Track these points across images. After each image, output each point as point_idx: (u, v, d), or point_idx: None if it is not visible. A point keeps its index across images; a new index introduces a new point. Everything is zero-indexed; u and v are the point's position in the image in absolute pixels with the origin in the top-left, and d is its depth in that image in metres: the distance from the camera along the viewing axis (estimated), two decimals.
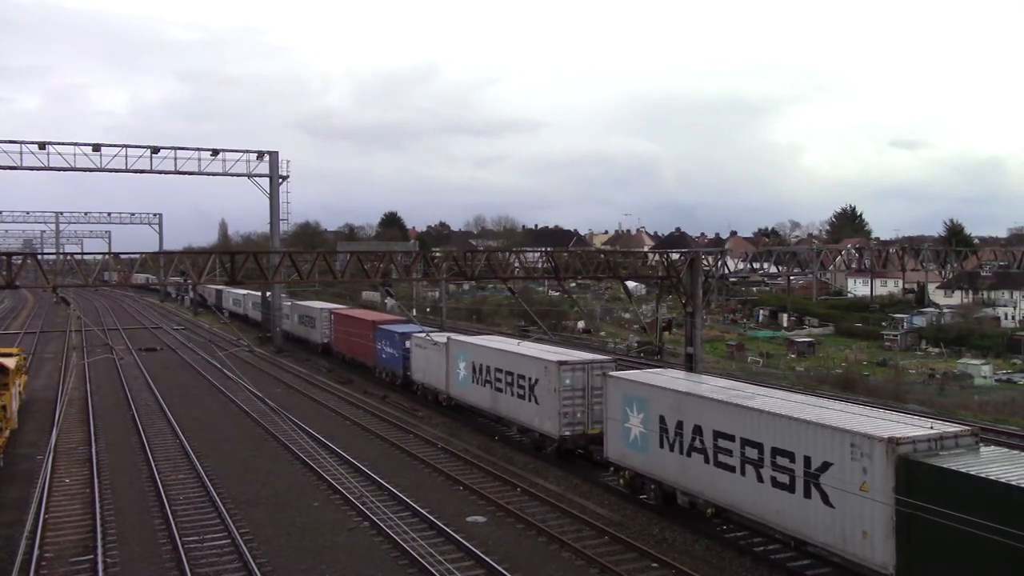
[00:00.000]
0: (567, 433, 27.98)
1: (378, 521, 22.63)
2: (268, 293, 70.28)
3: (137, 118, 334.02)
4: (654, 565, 19.87)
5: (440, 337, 39.00)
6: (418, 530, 21.98)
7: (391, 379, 45.58)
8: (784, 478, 18.88)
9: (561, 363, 27.96)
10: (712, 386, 23.54)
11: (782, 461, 18.91)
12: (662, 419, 22.78)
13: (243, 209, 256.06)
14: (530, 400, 29.72)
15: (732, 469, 20.38)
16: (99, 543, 21.19)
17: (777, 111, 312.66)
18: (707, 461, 21.18)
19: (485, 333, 54.29)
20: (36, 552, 20.64)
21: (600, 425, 26.75)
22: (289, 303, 71.41)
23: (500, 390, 31.99)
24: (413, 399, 41.22)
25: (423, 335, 40.96)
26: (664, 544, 21.31)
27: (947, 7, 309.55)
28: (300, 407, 40.29)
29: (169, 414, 38.43)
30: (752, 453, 19.70)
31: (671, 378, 25.04)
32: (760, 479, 19.57)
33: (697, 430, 21.53)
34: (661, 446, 22.84)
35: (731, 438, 20.36)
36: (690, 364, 34.57)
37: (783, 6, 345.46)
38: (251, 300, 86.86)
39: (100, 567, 19.77)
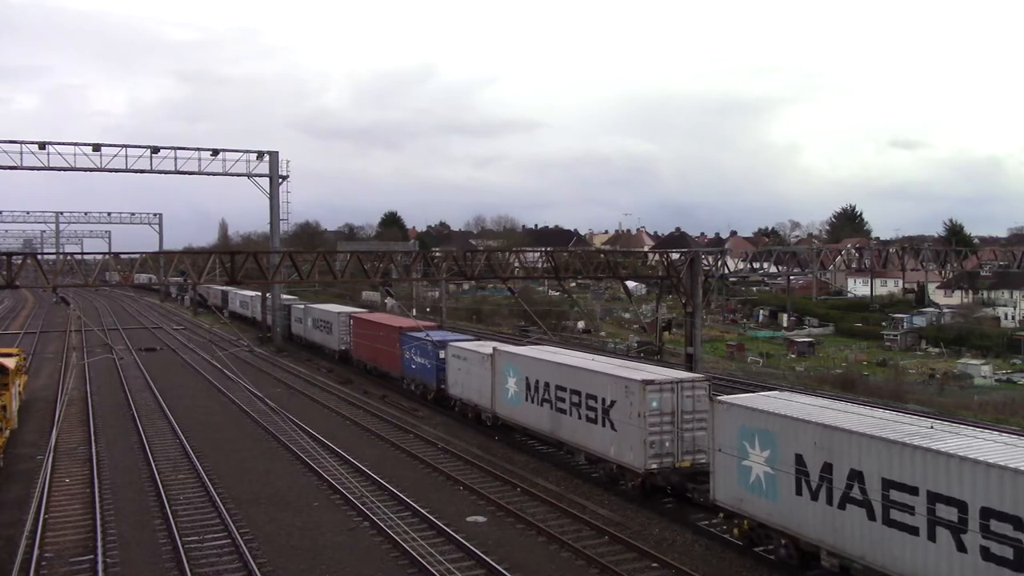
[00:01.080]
0: (654, 466, 23.72)
1: (378, 521, 22.62)
2: (269, 293, 70.30)
3: (135, 118, 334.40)
4: (654, 565, 19.86)
5: (484, 347, 35.24)
6: (418, 530, 21.97)
7: (422, 392, 41.23)
8: (1006, 551, 14.19)
9: (646, 382, 23.73)
10: (873, 419, 18.46)
11: (1001, 528, 14.27)
12: (800, 459, 18.33)
13: (243, 209, 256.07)
14: (603, 425, 25.53)
15: (913, 531, 15.88)
16: (99, 543, 21.18)
17: (775, 111, 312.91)
18: (871, 517, 16.76)
19: (531, 341, 50.73)
20: (36, 552, 20.63)
21: (691, 457, 23.55)
22: (302, 306, 68.02)
23: (562, 411, 27.83)
24: (449, 415, 37.28)
25: (462, 344, 37.16)
26: (664, 544, 21.31)
27: (945, 7, 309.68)
28: (300, 407, 40.27)
29: (169, 414, 38.42)
30: (948, 512, 15.15)
31: (809, 406, 20.01)
32: (962, 547, 14.94)
33: (855, 476, 17.08)
34: (798, 492, 18.44)
35: (912, 490, 15.88)
36: (690, 364, 34.55)
37: (781, 6, 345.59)
38: (260, 303, 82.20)
39: (100, 567, 19.76)
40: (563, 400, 27.73)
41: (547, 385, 28.69)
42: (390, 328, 45.96)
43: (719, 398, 21.37)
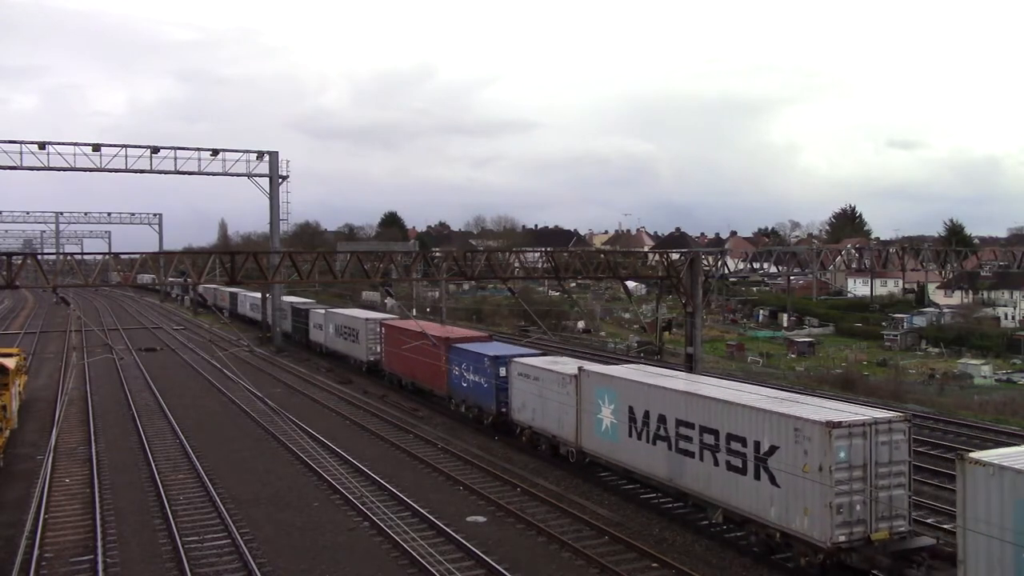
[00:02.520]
0: (842, 538, 17.84)
1: (378, 521, 22.63)
2: (284, 295, 70.03)
3: (134, 118, 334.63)
4: (654, 565, 19.87)
5: (562, 365, 29.76)
6: (418, 530, 21.98)
7: (476, 416, 35.28)
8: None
9: (833, 424, 17.88)
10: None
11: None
12: None
13: (243, 209, 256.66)
14: (756, 477, 19.83)
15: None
16: (99, 543, 21.20)
17: (774, 111, 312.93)
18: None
19: (627, 360, 45.89)
20: (36, 552, 20.64)
21: (887, 525, 18.18)
22: (323, 311, 62.31)
23: (687, 453, 22.15)
24: (512, 445, 31.52)
25: (530, 360, 31.54)
26: (664, 544, 21.33)
27: (943, 7, 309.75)
28: (300, 407, 40.28)
29: (169, 414, 38.43)
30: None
31: None
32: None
33: None
34: None
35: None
36: (690, 364, 34.58)
37: (779, 7, 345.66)
38: (274, 305, 78.49)
39: (100, 567, 19.77)
40: (688, 439, 22.04)
41: (662, 418, 23.01)
42: (433, 339, 39.13)
43: (987, 459, 14.40)
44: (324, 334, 60.10)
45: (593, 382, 26.50)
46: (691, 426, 21.99)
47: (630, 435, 24.47)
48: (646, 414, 23.81)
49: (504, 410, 32.46)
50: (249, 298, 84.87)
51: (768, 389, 25.11)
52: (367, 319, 51.45)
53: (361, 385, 46.82)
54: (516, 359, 31.85)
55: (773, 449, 19.34)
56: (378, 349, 48.94)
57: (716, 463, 21.19)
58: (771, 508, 19.43)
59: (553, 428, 28.68)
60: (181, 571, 19.65)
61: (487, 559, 19.85)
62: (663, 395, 23.27)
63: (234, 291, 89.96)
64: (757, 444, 19.75)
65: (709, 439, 21.36)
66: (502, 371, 32.51)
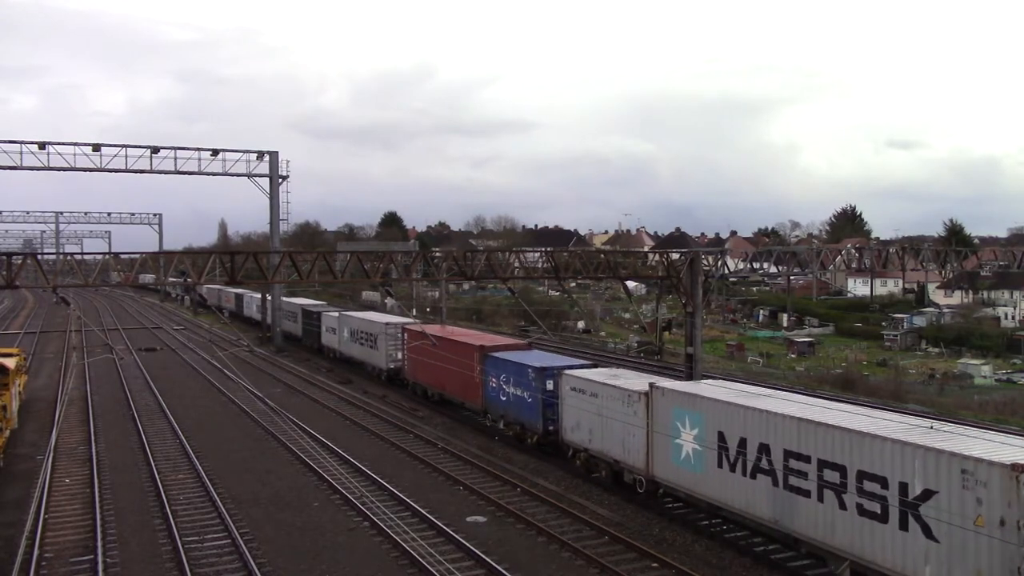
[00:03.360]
0: None
1: (378, 521, 22.63)
2: (289, 296, 69.94)
3: (134, 118, 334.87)
4: (654, 565, 19.87)
5: (626, 379, 26.27)
6: (418, 530, 21.98)
7: (517, 434, 31.92)
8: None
9: (1020, 468, 14.37)
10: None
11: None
12: None
13: (243, 209, 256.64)
14: (904, 527, 16.28)
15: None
16: (99, 543, 21.20)
17: (774, 111, 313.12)
18: None
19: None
20: (36, 552, 20.65)
21: None
22: (336, 314, 58.52)
23: (800, 491, 18.63)
24: (561, 466, 28.34)
25: (586, 374, 27.95)
26: (664, 544, 21.33)
27: (942, 7, 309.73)
28: (300, 407, 40.29)
29: (169, 414, 38.43)
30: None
31: None
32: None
33: None
34: None
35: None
36: (690, 364, 34.56)
37: (779, 7, 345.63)
38: (284, 309, 71.82)
39: (100, 567, 19.77)
40: (801, 475, 18.55)
41: (765, 448, 19.59)
42: (464, 346, 36.40)
43: None
44: (338, 339, 56.49)
45: (670, 401, 22.93)
46: (805, 459, 18.48)
47: (720, 465, 20.97)
48: (742, 442, 20.22)
49: (552, 428, 29.23)
50: (255, 299, 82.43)
51: (905, 416, 21.34)
52: (387, 323, 47.74)
53: (376, 392, 45.45)
54: (568, 372, 28.38)
55: (928, 494, 15.72)
56: (399, 356, 45.47)
57: (842, 506, 17.58)
58: (925, 567, 15.79)
59: (615, 452, 25.20)
60: (181, 571, 19.65)
61: (487, 559, 19.85)
62: (767, 420, 19.61)
63: (240, 292, 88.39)
64: (904, 486, 16.18)
65: (832, 476, 17.77)
66: (549, 384, 29.37)
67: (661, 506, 19.59)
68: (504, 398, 32.64)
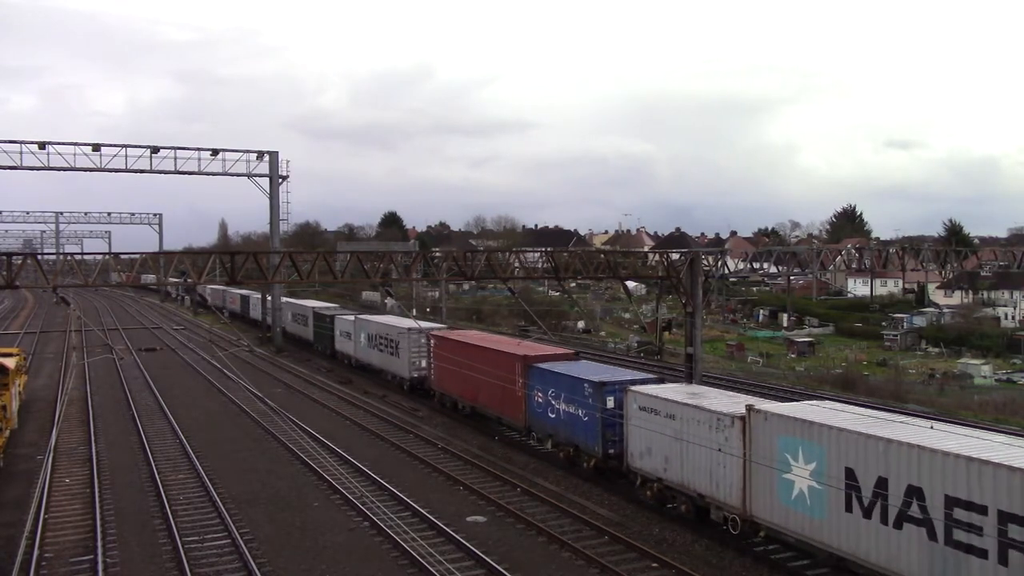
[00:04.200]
0: None
1: (378, 521, 22.64)
2: (289, 297, 69.93)
3: (133, 118, 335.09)
4: (654, 565, 19.87)
5: (713, 399, 22.78)
6: (418, 530, 21.98)
7: (569, 456, 28.26)
8: None
9: None
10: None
11: None
12: None
13: (243, 209, 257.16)
14: None
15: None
16: (99, 543, 21.20)
17: (773, 111, 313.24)
18: None
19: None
20: (36, 552, 20.66)
21: None
22: (351, 318, 55.03)
23: (970, 549, 15.09)
24: (620, 493, 25.42)
25: (658, 391, 24.25)
26: (664, 544, 21.33)
27: (942, 7, 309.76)
28: (300, 407, 40.29)
29: (169, 414, 38.43)
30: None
31: None
32: None
33: None
34: None
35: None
36: (690, 364, 34.56)
37: (778, 7, 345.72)
38: (293, 311, 69.69)
39: (100, 567, 19.78)
40: (974, 529, 14.94)
41: (916, 492, 16.01)
42: (504, 355, 32.93)
43: None
44: (354, 344, 52.91)
45: (775, 428, 19.38)
46: (979, 510, 14.83)
47: (848, 509, 17.42)
48: (881, 482, 16.66)
49: (612, 452, 25.97)
50: (260, 301, 79.11)
51: None
52: (410, 328, 43.61)
53: (394, 400, 43.20)
54: (636, 388, 24.82)
55: None
56: (423, 364, 42.01)
57: None
58: None
59: (700, 485, 21.81)
60: (181, 571, 19.65)
61: (487, 559, 19.85)
62: (919, 458, 15.98)
63: (245, 293, 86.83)
64: None
65: (1022, 534, 14.14)
66: (610, 401, 26.06)
67: (764, 553, 17.65)
68: (552, 415, 29.11)
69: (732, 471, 20.64)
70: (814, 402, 22.62)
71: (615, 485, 25.93)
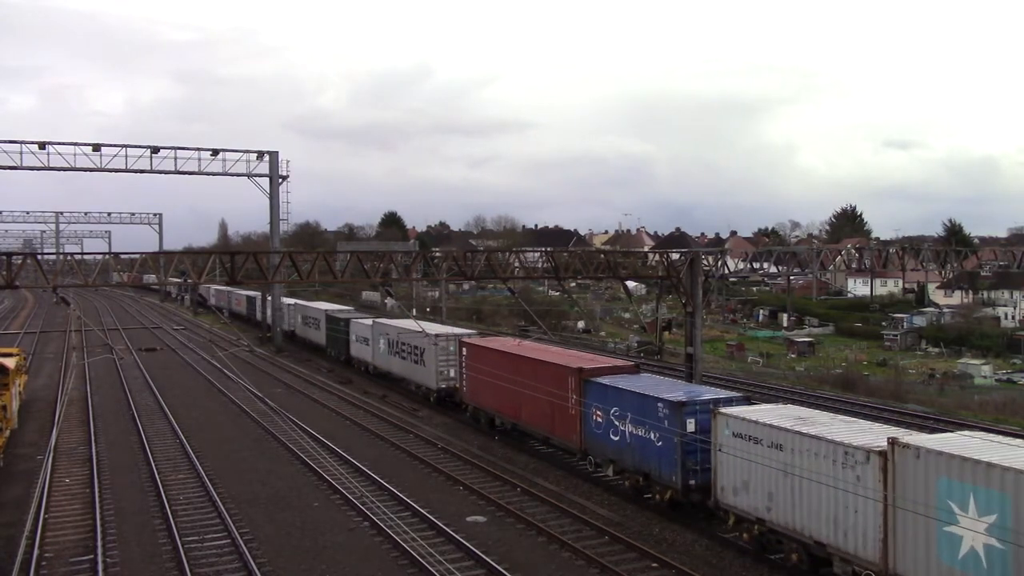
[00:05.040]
0: None
1: (378, 521, 22.64)
2: (293, 298, 69.93)
3: (133, 118, 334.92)
4: (654, 565, 19.87)
5: (829, 426, 19.06)
6: (418, 530, 21.99)
7: (638, 485, 24.65)
8: None
9: None
10: None
11: None
12: None
13: (243, 209, 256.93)
14: None
15: None
16: (99, 543, 21.21)
17: (772, 111, 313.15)
18: None
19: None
20: (36, 552, 20.66)
21: None
22: (369, 322, 51.36)
23: None
24: (702, 532, 22.18)
25: (758, 415, 20.40)
26: (664, 544, 21.33)
27: (941, 7, 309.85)
28: (300, 407, 40.29)
29: (169, 414, 38.44)
30: None
31: None
32: None
33: None
34: None
35: None
36: (690, 364, 34.57)
37: (777, 7, 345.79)
38: (303, 314, 66.69)
39: (100, 567, 19.78)
40: None
41: None
42: (555, 368, 28.93)
43: None
44: (372, 350, 49.19)
45: (934, 468, 15.51)
46: None
47: None
48: None
49: (694, 483, 22.30)
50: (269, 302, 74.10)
51: None
52: (437, 335, 39.91)
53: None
54: (727, 411, 21.02)
55: None
56: (452, 374, 38.72)
57: None
58: None
59: (818, 531, 18.14)
60: (181, 571, 19.65)
61: (487, 559, 19.85)
62: None
63: (251, 294, 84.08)
64: None
65: None
66: (690, 424, 22.40)
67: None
68: (616, 437, 25.32)
69: (866, 518, 16.86)
70: (965, 432, 18.77)
71: (695, 522, 22.57)
